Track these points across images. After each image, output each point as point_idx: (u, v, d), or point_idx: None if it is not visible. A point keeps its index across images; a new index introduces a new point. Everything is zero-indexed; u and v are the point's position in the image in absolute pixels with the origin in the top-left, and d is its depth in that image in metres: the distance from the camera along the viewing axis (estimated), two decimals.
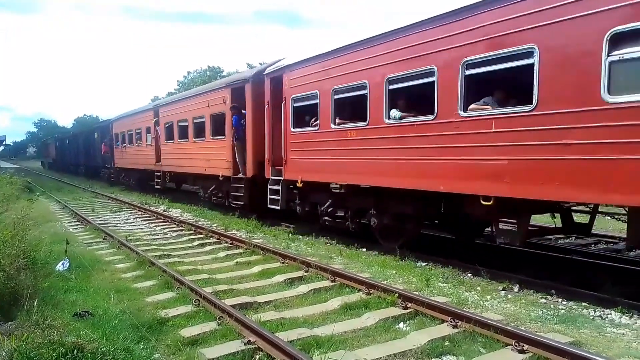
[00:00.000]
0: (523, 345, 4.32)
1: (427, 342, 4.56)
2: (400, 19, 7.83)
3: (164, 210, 15.25)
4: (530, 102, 5.87)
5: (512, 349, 4.36)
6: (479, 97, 6.73)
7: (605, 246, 9.17)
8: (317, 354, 4.33)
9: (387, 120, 7.96)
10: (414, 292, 6.00)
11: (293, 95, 10.35)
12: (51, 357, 3.79)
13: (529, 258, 8.05)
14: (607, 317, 5.33)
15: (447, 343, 4.60)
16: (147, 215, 14.66)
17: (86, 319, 5.17)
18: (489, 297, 6.08)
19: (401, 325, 5.18)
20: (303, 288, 6.50)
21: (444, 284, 6.68)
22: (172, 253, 9.02)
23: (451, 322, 4.96)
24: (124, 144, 23.64)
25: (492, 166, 6.32)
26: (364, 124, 8.45)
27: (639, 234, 6.18)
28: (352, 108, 9.04)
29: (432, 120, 7.17)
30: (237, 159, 12.59)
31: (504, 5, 6.11)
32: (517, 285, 6.46)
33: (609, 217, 12.60)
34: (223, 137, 13.34)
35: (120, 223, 13.18)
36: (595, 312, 5.49)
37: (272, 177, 11.20)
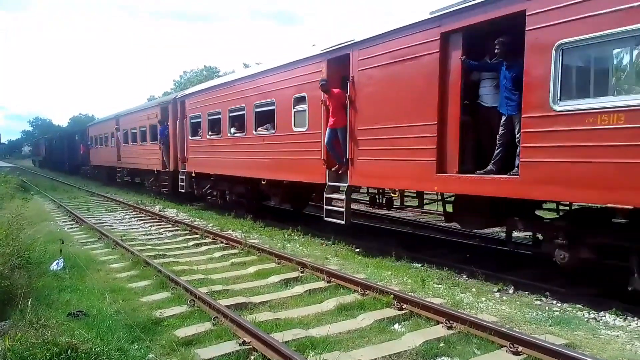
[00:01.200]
0: (517, 347, 4.33)
1: (422, 343, 4.57)
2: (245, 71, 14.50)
3: (159, 210, 15.21)
4: (274, 128, 11.00)
5: (506, 351, 4.37)
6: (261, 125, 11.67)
7: None
8: (312, 354, 4.33)
9: (229, 134, 12.98)
10: (409, 293, 6.01)
11: (190, 115, 15.56)
12: (45, 357, 3.77)
13: (523, 260, 8.06)
14: (601, 319, 5.35)
15: (442, 344, 4.60)
16: (143, 215, 14.62)
17: (80, 318, 5.14)
18: (483, 299, 6.09)
19: (396, 326, 5.18)
20: (298, 289, 6.50)
21: (439, 286, 6.69)
22: (167, 253, 8.99)
23: (446, 323, 4.97)
24: (97, 146, 28.68)
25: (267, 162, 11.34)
26: (219, 136, 13.65)
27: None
28: (216, 125, 13.89)
29: (243, 135, 12.36)
30: (164, 158, 17.49)
31: (267, 75, 11.18)
32: (512, 287, 6.48)
33: None
34: (156, 142, 18.13)
35: (115, 223, 13.14)
36: (589, 314, 5.51)
37: (181, 170, 16.38)
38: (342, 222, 8.78)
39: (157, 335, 4.88)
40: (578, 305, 5.75)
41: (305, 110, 9.82)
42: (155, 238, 10.78)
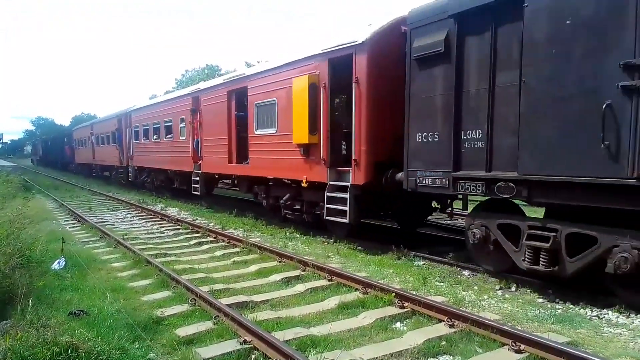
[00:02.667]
0: (520, 345, 4.31)
1: (424, 341, 4.55)
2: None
3: (161, 209, 15.21)
4: (172, 137, 17.42)
5: (508, 349, 4.35)
6: (168, 134, 18.03)
7: None
8: (314, 353, 4.31)
9: (152, 140, 19.12)
10: (411, 292, 5.99)
11: (133, 125, 21.53)
12: (45, 356, 3.76)
13: None
14: (604, 317, 5.33)
15: (443, 343, 4.58)
16: (144, 213, 14.62)
17: (81, 318, 5.14)
18: (486, 297, 6.07)
19: (398, 324, 5.16)
20: (300, 287, 6.48)
21: (441, 284, 6.67)
22: (168, 252, 8.99)
23: (448, 321, 4.95)
24: (79, 147, 35.28)
25: (169, 158, 17.79)
26: (148, 141, 19.67)
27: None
28: (147, 133, 19.86)
29: (159, 141, 18.58)
30: (120, 156, 23.55)
31: (168, 103, 17.82)
32: (514, 285, 6.46)
33: None
34: (115, 144, 24.27)
35: (117, 222, 13.15)
36: (592, 311, 5.48)
37: (129, 165, 22.38)
38: (198, 193, 15.43)
39: (158, 335, 4.87)
40: (580, 303, 5.72)
41: (184, 127, 16.22)
42: (157, 237, 10.78)
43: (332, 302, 5.81)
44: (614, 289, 5.67)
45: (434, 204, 9.59)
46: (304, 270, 7.26)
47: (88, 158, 31.18)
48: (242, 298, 5.95)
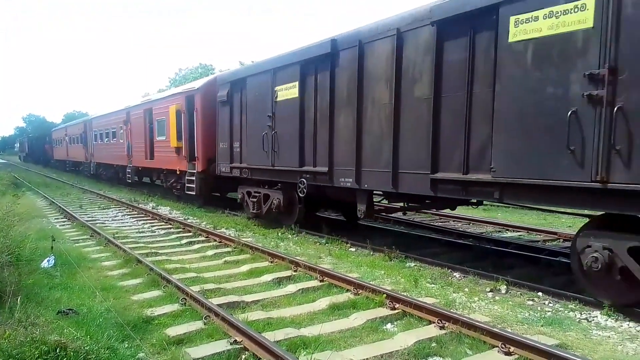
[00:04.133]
0: (509, 347, 4.33)
1: (414, 343, 4.56)
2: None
3: (152, 208, 15.14)
4: (116, 140, 23.22)
5: (498, 351, 4.37)
6: (114, 138, 24.10)
7: None
8: (304, 354, 4.31)
9: (102, 141, 25.41)
10: (402, 293, 5.99)
11: (93, 129, 27.44)
12: (33, 355, 3.73)
13: (517, 260, 8.09)
14: (593, 320, 5.36)
15: (434, 344, 4.59)
16: (136, 212, 14.54)
17: (70, 317, 5.09)
18: (476, 299, 6.10)
19: (389, 325, 5.17)
20: (291, 288, 6.48)
21: (432, 285, 6.69)
22: (159, 251, 8.94)
23: (438, 323, 4.96)
24: (56, 146, 41.51)
25: (113, 155, 24.06)
26: (102, 142, 25.54)
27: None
28: (100, 136, 25.73)
29: (109, 142, 24.60)
30: (86, 154, 29.11)
31: (111, 116, 24.61)
32: (505, 287, 6.49)
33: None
34: (82, 144, 30.51)
35: (108, 220, 13.07)
36: (581, 314, 5.52)
37: (92, 161, 28.09)
38: (130, 181, 21.03)
39: (148, 334, 4.85)
40: (570, 306, 5.76)
41: (122, 133, 21.56)
42: (148, 236, 10.72)
43: (323, 302, 5.81)
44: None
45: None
46: (295, 271, 7.25)
47: (63, 155, 37.70)
48: (233, 298, 5.93)
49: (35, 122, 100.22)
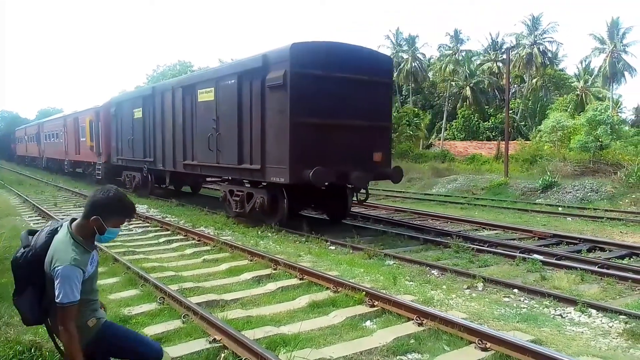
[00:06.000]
0: (486, 343, 4.40)
1: (393, 340, 4.60)
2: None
3: None
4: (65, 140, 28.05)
5: (475, 347, 4.44)
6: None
7: (566, 247, 9.43)
8: (284, 352, 4.31)
9: (48, 140, 32.24)
10: (381, 291, 6.05)
11: (43, 131, 33.27)
12: (8, 355, 3.68)
13: (493, 257, 8.23)
14: (567, 316, 5.49)
15: (412, 341, 4.65)
16: None
17: None
18: (454, 296, 6.18)
19: (368, 323, 5.21)
20: (271, 286, 6.47)
21: (411, 283, 6.76)
22: (137, 250, 8.83)
23: (417, 320, 5.02)
24: (18, 143, 46.43)
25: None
26: (51, 140, 31.44)
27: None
28: (48, 136, 32.21)
29: (56, 141, 30.07)
30: (39, 150, 34.89)
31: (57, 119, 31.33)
32: (482, 284, 6.60)
33: (570, 219, 13.04)
34: (37, 142, 35.45)
35: None
36: (555, 310, 5.65)
37: (44, 156, 33.75)
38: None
39: None
40: (545, 302, 5.89)
41: (62, 134, 27.59)
42: (125, 234, 10.56)
43: (302, 300, 5.82)
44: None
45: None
46: (275, 269, 7.24)
47: (24, 151, 43.07)
48: (212, 297, 5.90)
49: (8, 118, 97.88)
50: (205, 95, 12.62)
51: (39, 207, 14.25)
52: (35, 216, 13.19)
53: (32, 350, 3.78)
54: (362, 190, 11.37)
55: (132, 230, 11.08)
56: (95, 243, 2.73)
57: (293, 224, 10.75)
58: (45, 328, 2.92)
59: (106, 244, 8.76)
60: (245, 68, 11.05)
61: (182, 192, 18.64)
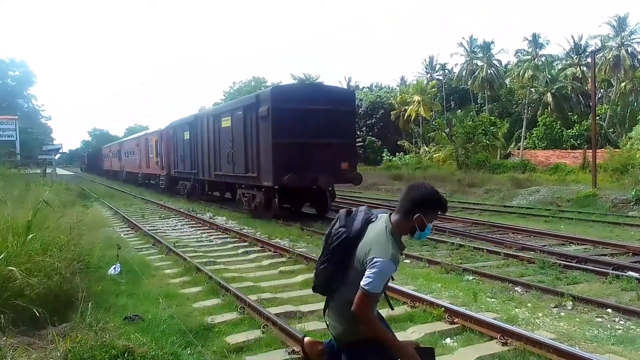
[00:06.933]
0: None
1: (476, 359, 4.43)
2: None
3: (209, 218, 15.57)
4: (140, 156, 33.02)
5: None
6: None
7: None
8: None
9: (132, 156, 35.36)
10: (461, 307, 5.84)
11: (124, 149, 38.85)
12: (103, 358, 3.91)
13: (581, 274, 7.71)
14: None
15: None
16: (194, 222, 15.00)
17: (136, 322, 5.31)
18: (540, 314, 5.85)
19: (448, 340, 5.05)
20: None
21: (492, 299, 6.48)
22: (217, 260, 9.18)
23: (500, 339, 4.80)
24: (104, 159, 51.69)
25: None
26: (132, 157, 35.38)
27: None
28: (131, 153, 35.38)
29: (134, 158, 35.10)
30: (120, 165, 41.09)
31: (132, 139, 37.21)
32: (571, 303, 6.19)
33: None
34: (118, 158, 42.17)
35: (168, 229, 13.55)
36: None
37: (124, 170, 39.88)
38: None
39: (209, 341, 4.97)
40: None
41: (136, 151, 32.39)
42: (206, 245, 11.03)
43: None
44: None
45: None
46: None
47: (109, 166, 48.63)
48: (289, 308, 5.99)
49: (100, 135, 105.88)
50: (225, 122, 16.76)
51: (129, 218, 15.23)
52: (125, 227, 14.10)
53: (125, 355, 4.01)
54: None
55: (212, 241, 11.53)
56: (413, 239, 2.73)
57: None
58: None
59: (189, 255, 9.21)
60: (247, 103, 15.42)
61: (226, 198, 21.34)
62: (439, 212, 2.69)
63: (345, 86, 73.32)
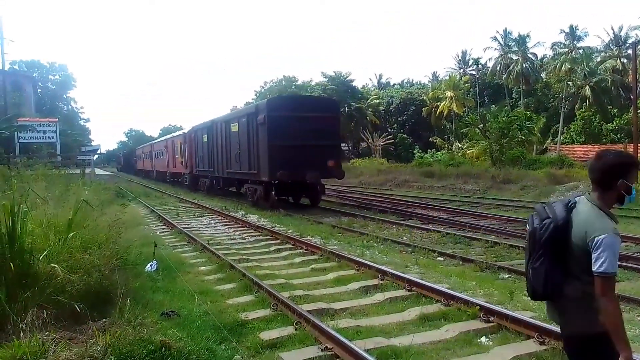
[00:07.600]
0: None
1: (512, 358, 4.36)
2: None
3: (242, 216, 15.75)
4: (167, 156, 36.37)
5: None
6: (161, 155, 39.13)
7: None
8: None
9: (162, 157, 38.65)
10: (497, 306, 5.74)
11: (154, 150, 42.24)
12: (142, 353, 4.00)
13: (625, 272, 7.46)
14: None
15: None
16: (227, 220, 15.21)
17: (172, 318, 5.44)
18: None
19: (483, 339, 4.98)
20: (379, 296, 6.44)
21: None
22: (250, 257, 9.28)
23: (538, 338, 4.70)
24: (137, 159, 54.93)
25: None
26: (161, 157, 39.06)
27: None
28: (161, 154, 38.55)
29: (162, 158, 39.24)
30: (151, 165, 44.55)
31: (161, 141, 41.86)
32: None
33: None
34: (149, 158, 45.19)
35: (202, 227, 13.79)
36: None
37: (154, 169, 43.41)
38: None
39: (243, 337, 5.04)
40: None
41: (165, 152, 36.28)
42: (239, 243, 11.17)
43: (412, 312, 5.72)
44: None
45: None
46: (382, 280, 7.19)
47: (142, 166, 51.42)
48: (321, 305, 6.01)
49: (136, 136, 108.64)
50: (234, 127, 19.54)
51: (164, 216, 15.58)
52: (161, 225, 14.42)
53: (163, 350, 4.10)
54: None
55: (245, 239, 11.67)
56: (624, 206, 2.65)
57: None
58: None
59: (223, 252, 9.34)
60: (250, 112, 18.43)
61: (240, 193, 22.89)
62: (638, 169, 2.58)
63: (375, 83, 73.00)
